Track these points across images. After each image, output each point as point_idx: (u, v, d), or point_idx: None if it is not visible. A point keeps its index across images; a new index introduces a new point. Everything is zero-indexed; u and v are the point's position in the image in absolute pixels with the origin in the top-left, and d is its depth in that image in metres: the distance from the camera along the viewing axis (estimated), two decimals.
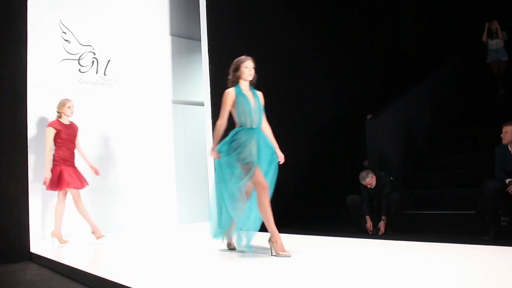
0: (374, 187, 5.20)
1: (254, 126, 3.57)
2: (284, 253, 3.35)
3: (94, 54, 5.91)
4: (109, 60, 6.02)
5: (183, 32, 6.80)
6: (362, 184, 5.21)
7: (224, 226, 3.74)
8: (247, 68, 3.61)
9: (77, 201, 4.78)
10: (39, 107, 5.31)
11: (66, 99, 4.92)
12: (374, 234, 5.04)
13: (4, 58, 4.36)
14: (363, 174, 5.22)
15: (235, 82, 3.66)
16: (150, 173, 6.21)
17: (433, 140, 7.17)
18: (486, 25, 7.46)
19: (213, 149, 3.65)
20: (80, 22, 5.82)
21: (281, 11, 6.67)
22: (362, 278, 2.61)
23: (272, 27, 6.49)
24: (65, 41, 5.69)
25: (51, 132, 4.76)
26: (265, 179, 3.43)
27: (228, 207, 3.55)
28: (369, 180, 5.16)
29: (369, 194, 5.25)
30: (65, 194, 4.82)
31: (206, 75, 5.98)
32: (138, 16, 6.37)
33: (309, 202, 6.35)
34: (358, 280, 2.57)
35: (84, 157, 5.07)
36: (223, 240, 3.87)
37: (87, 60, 5.85)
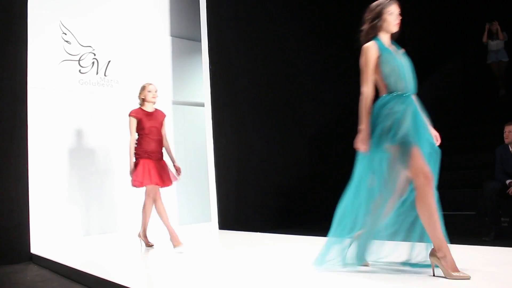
0: None
1: (408, 93, 2.65)
2: (458, 274, 2.39)
3: (95, 55, 5.91)
4: (109, 61, 6.03)
5: (183, 33, 6.80)
6: None
7: (362, 246, 2.78)
8: (392, 15, 2.70)
9: (156, 200, 4.26)
10: (40, 108, 5.31)
11: (146, 83, 4.44)
12: None
13: (4, 59, 4.36)
14: None
15: (373, 35, 2.73)
16: None
17: None
18: (487, 26, 7.46)
19: (362, 136, 2.62)
20: (80, 23, 5.83)
21: (281, 12, 6.67)
22: (361, 279, 2.61)
23: (272, 28, 6.49)
24: (65, 42, 5.69)
25: (132, 121, 4.24)
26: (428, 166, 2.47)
27: (366, 209, 2.66)
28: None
29: None
30: (154, 191, 4.24)
31: (206, 75, 5.98)
32: (138, 17, 6.37)
33: (308, 203, 6.35)
34: (357, 281, 2.57)
35: (168, 151, 4.53)
36: (357, 264, 2.79)
37: (87, 61, 5.85)
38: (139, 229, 4.52)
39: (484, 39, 7.48)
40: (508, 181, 4.41)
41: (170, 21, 6.69)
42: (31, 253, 4.31)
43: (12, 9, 4.45)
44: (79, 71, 5.78)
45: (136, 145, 4.27)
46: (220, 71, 5.95)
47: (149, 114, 4.32)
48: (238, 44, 6.16)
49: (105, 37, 6.01)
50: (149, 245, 4.39)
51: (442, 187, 6.05)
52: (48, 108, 5.45)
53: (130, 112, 4.28)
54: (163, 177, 4.29)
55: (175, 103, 6.61)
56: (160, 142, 4.36)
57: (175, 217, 6.39)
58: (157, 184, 4.22)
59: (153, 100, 4.34)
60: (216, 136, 5.81)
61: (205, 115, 6.01)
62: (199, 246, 4.64)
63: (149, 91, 4.31)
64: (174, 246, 4.03)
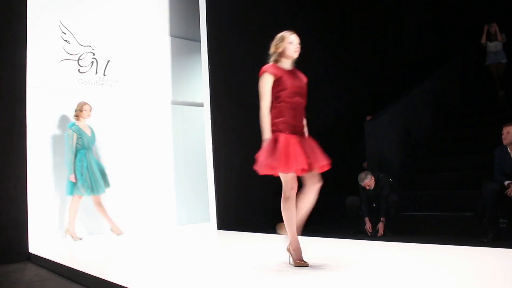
0: (373, 188, 5.20)
1: None
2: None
3: (94, 54, 5.91)
4: (108, 61, 6.02)
5: (182, 33, 6.80)
6: (361, 185, 5.22)
7: None
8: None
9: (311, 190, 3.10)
10: (39, 108, 5.31)
11: (284, 32, 3.26)
12: (373, 236, 5.04)
13: (3, 58, 4.35)
14: (362, 175, 5.22)
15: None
16: (149, 174, 6.20)
17: (432, 142, 7.17)
18: (486, 28, 7.47)
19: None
20: (79, 22, 5.82)
21: (281, 13, 6.67)
22: (360, 280, 2.61)
23: (271, 28, 6.44)
24: (64, 42, 5.68)
25: (268, 79, 3.00)
26: None
27: None
28: (368, 181, 5.17)
29: (368, 196, 5.25)
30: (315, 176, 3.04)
31: (205, 76, 5.98)
32: (137, 16, 6.37)
33: None
34: (356, 282, 2.57)
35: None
36: None
37: (86, 60, 5.85)
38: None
39: (483, 40, 7.50)
40: (506, 182, 4.41)
41: (169, 21, 6.69)
42: (29, 252, 4.30)
43: (11, 9, 4.45)
44: (78, 70, 5.78)
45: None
46: (219, 71, 5.95)
47: (289, 73, 3.10)
48: (237, 44, 6.16)
49: (104, 36, 6.01)
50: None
51: (441, 188, 6.08)
52: (47, 107, 5.44)
53: (263, 68, 3.11)
54: (318, 156, 3.06)
55: (174, 103, 6.61)
56: (302, 112, 3.09)
57: (173, 217, 6.39)
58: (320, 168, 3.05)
59: (295, 55, 3.12)
60: (215, 136, 5.81)
61: (204, 115, 6.01)
62: (198, 246, 4.64)
63: (291, 43, 3.14)
64: (295, 264, 2.99)
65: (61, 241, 5.13)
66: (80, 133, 5.16)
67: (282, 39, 3.12)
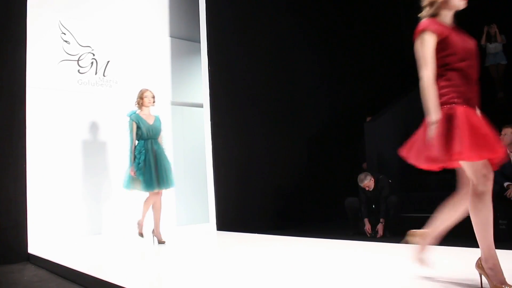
0: (373, 189, 5.20)
1: None
2: None
3: (94, 55, 5.91)
4: (108, 61, 6.02)
5: (182, 34, 6.80)
6: (360, 186, 5.22)
7: None
8: None
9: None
10: (38, 108, 5.31)
11: None
12: (372, 237, 5.04)
13: (3, 59, 4.35)
14: (361, 176, 5.22)
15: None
16: None
17: None
18: (485, 29, 7.48)
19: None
20: (79, 23, 5.82)
21: (280, 14, 6.68)
22: (360, 281, 2.61)
23: (271, 29, 6.50)
24: (64, 42, 5.68)
25: (430, 40, 2.25)
26: None
27: None
28: (368, 182, 5.17)
29: (368, 197, 5.25)
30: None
31: (205, 76, 5.98)
32: (137, 17, 6.37)
33: (307, 204, 6.35)
34: (355, 283, 2.57)
35: None
36: None
37: (86, 61, 5.85)
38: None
39: (483, 41, 7.50)
40: (506, 184, 4.42)
41: (169, 22, 6.69)
42: (29, 253, 4.31)
43: (11, 9, 4.45)
44: (78, 71, 5.78)
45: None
46: (219, 72, 5.95)
47: (457, 30, 2.39)
48: (237, 45, 6.16)
49: (104, 37, 6.01)
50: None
51: (441, 189, 6.07)
52: (46, 108, 5.44)
53: (423, 24, 2.29)
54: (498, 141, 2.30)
55: (173, 104, 6.61)
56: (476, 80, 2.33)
57: (173, 217, 6.39)
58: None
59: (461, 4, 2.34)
60: (215, 137, 5.81)
61: (204, 116, 6.00)
62: (197, 247, 4.64)
63: None
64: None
65: (60, 242, 5.12)
66: (139, 122, 4.60)
67: None
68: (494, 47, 7.46)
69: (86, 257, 4.22)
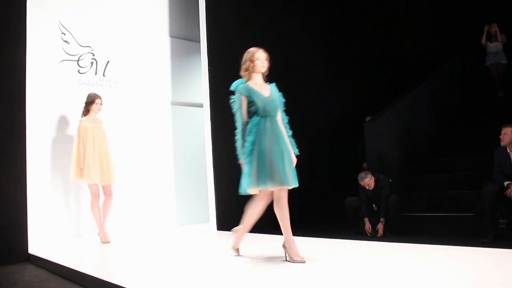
0: (373, 189, 5.20)
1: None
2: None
3: (93, 55, 5.91)
4: (108, 61, 6.02)
5: (182, 34, 6.80)
6: (361, 185, 5.22)
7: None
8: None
9: None
10: (38, 108, 5.30)
11: None
12: (373, 236, 5.04)
13: (3, 59, 4.35)
14: (362, 174, 5.23)
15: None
16: (148, 175, 6.20)
17: (432, 142, 7.17)
18: (486, 28, 7.48)
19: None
20: (79, 23, 5.82)
21: (281, 13, 6.68)
22: (360, 281, 2.61)
23: (271, 28, 6.50)
24: (64, 42, 5.68)
25: None
26: None
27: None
28: (368, 181, 5.17)
29: (368, 196, 5.25)
30: None
31: (205, 76, 5.98)
32: (137, 17, 6.37)
33: (307, 204, 6.34)
34: (356, 283, 2.57)
35: None
36: None
37: (86, 61, 5.85)
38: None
39: (483, 41, 7.51)
40: (506, 183, 4.41)
41: (169, 22, 6.69)
42: (29, 253, 4.31)
43: (11, 9, 4.45)
44: (78, 71, 5.78)
45: None
46: (219, 72, 5.95)
47: None
48: (237, 45, 6.14)
49: (104, 37, 6.01)
50: None
51: (441, 189, 6.08)
52: (46, 108, 5.43)
53: None
54: None
55: (173, 103, 6.60)
56: None
57: (173, 218, 6.39)
58: None
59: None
60: (215, 137, 5.80)
61: (204, 116, 6.00)
62: (198, 247, 4.64)
63: None
64: None
65: (60, 242, 5.13)
66: (250, 95, 3.36)
67: None
68: (494, 46, 7.46)
69: (86, 257, 4.22)
